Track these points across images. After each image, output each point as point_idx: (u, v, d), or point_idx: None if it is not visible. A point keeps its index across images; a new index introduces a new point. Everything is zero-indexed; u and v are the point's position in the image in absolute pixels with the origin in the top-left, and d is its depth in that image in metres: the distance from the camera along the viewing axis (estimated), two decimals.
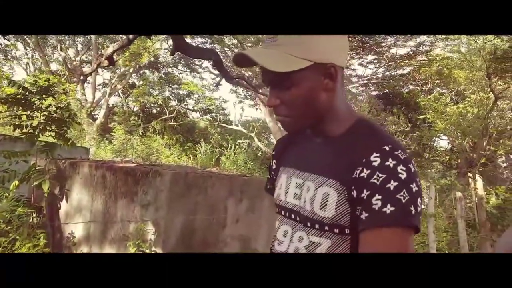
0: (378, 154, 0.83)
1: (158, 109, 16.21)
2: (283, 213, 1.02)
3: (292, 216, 0.99)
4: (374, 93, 13.56)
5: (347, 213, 0.86)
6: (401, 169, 0.80)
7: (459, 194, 5.79)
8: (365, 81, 13.74)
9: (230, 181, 4.24)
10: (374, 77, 13.67)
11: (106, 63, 6.31)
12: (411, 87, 13.10)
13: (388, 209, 0.78)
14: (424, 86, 12.61)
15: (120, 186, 4.06)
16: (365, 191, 0.82)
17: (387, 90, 12.49)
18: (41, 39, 14.08)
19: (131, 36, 5.69)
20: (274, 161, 1.16)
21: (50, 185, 4.10)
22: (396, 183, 0.79)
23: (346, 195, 0.86)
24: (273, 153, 1.19)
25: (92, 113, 14.42)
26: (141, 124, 13.20)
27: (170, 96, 17.11)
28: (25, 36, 13.39)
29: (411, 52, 12.36)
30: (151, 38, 9.11)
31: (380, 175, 0.80)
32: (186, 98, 17.35)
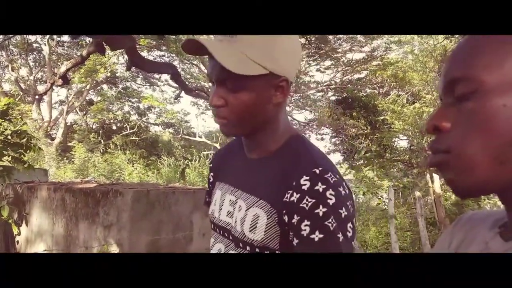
0: (308, 178, 0.81)
1: (118, 124, 15.85)
2: (217, 230, 1.00)
3: (226, 234, 0.96)
4: (333, 98, 13.89)
5: (277, 236, 0.84)
6: (330, 194, 0.79)
7: (417, 193, 5.98)
8: (324, 87, 14.07)
9: (194, 195, 4.21)
10: (333, 82, 14.02)
11: (60, 82, 6.15)
12: (368, 90, 13.49)
13: (317, 236, 0.76)
14: (381, 89, 13.03)
15: (81, 208, 3.96)
16: (295, 216, 0.80)
17: (346, 95, 12.82)
18: None
19: (84, 54, 5.59)
20: (212, 173, 1.11)
21: (9, 211, 3.99)
22: (324, 209, 0.77)
23: (276, 218, 0.84)
24: (211, 165, 1.14)
25: (50, 133, 13.93)
26: (102, 141, 12.86)
27: (130, 111, 16.85)
28: None
29: (366, 57, 12.79)
30: (107, 54, 8.95)
31: (309, 199, 0.79)
32: (147, 112, 17.15)
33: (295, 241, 0.79)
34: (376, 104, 11.32)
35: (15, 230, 4.32)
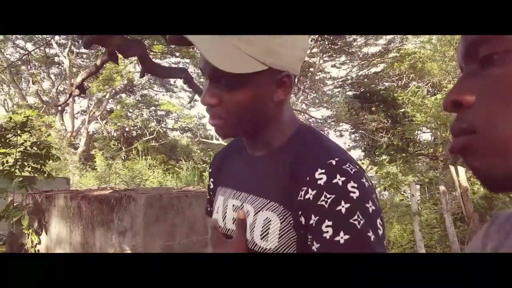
0: (323, 170, 0.70)
1: (138, 131, 16.17)
2: None
3: None
4: (350, 93, 13.70)
5: (293, 243, 0.73)
6: (352, 187, 0.68)
7: (442, 187, 5.75)
8: (340, 83, 13.90)
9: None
10: (349, 77, 13.84)
11: (77, 92, 6.27)
12: (386, 83, 13.24)
13: (342, 237, 0.65)
14: (399, 82, 12.76)
15: (96, 215, 4.00)
16: (313, 217, 0.69)
17: (363, 89, 12.61)
18: (15, 74, 14.02)
19: (98, 63, 5.67)
20: (211, 179, 1.00)
21: (29, 220, 4.12)
22: (347, 205, 0.66)
23: (291, 222, 0.73)
24: (210, 170, 1.02)
25: (73, 142, 14.32)
26: (123, 148, 13.13)
27: (149, 118, 17.19)
28: None
29: (382, 50, 12.55)
30: (124, 60, 9.10)
31: (328, 195, 0.68)
32: (165, 118, 17.47)
33: (315, 245, 0.68)
34: (396, 97, 11.08)
35: (35, 239, 4.41)
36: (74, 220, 4.17)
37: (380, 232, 0.68)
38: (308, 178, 0.71)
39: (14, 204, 4.28)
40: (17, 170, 4.50)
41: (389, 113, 11.23)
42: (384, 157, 11.12)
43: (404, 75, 12.23)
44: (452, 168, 6.41)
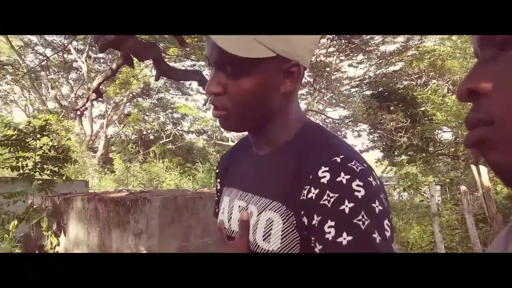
0: (327, 168, 0.67)
1: (155, 134, 16.40)
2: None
3: None
4: (368, 92, 13.51)
5: (296, 244, 0.71)
6: (357, 185, 0.65)
7: (463, 188, 5.58)
8: (357, 82, 13.74)
9: None
10: (366, 76, 13.67)
11: (94, 96, 6.36)
12: (405, 82, 13.02)
13: (345, 239, 0.62)
14: (418, 80, 12.53)
15: (113, 216, 4.03)
16: (315, 217, 0.66)
17: (381, 88, 12.42)
18: (35, 79, 14.36)
19: (114, 67, 5.74)
20: (218, 180, 0.98)
21: (48, 222, 4.20)
22: (351, 204, 0.63)
23: (294, 222, 0.71)
24: (217, 171, 1.00)
25: (92, 146, 14.59)
26: (140, 151, 13.31)
27: (166, 121, 17.45)
28: (19, 78, 13.69)
29: (400, 48, 12.34)
30: (140, 64, 9.19)
31: (331, 194, 0.65)
32: (181, 121, 17.71)
33: (318, 247, 0.66)
34: (415, 96, 10.87)
35: (54, 241, 4.48)
36: (92, 221, 4.21)
37: (388, 234, 0.64)
38: (311, 177, 0.68)
39: (34, 207, 4.39)
40: (36, 173, 4.61)
41: (408, 112, 11.02)
42: (403, 157, 10.92)
43: (424, 73, 11.98)
44: (474, 168, 6.25)
